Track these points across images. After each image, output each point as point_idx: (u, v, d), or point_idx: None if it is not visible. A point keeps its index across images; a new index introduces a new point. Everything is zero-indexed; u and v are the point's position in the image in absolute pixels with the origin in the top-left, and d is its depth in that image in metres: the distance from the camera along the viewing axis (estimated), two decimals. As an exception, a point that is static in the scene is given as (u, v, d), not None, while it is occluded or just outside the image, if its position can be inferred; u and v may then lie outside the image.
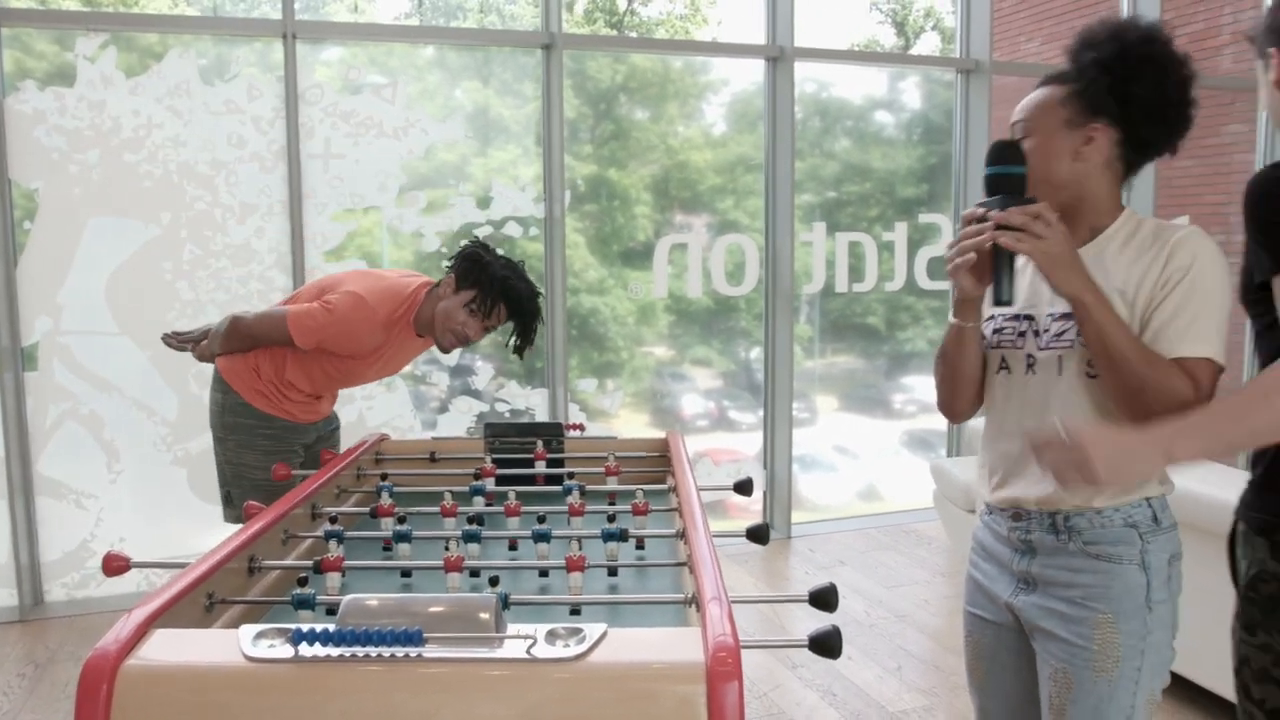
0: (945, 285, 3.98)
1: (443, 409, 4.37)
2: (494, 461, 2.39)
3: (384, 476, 2.25)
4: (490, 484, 2.28)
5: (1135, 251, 1.53)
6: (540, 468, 2.41)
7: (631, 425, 4.88)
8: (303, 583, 1.51)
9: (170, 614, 1.39)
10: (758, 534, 1.78)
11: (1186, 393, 1.44)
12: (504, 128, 4.41)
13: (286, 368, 2.62)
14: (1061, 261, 1.45)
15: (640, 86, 4.80)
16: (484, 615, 1.23)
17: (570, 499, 1.98)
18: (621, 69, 4.76)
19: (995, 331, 1.65)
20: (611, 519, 1.82)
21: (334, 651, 1.20)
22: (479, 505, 2.14)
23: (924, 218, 5.11)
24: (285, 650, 1.21)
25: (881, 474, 5.68)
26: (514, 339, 2.66)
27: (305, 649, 1.20)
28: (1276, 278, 1.42)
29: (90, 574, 3.91)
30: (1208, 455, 1.41)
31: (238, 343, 2.61)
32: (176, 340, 2.75)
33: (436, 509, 1.99)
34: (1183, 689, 3.02)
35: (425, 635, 1.21)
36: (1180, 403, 1.43)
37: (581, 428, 2.58)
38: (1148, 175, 5.32)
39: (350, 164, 4.07)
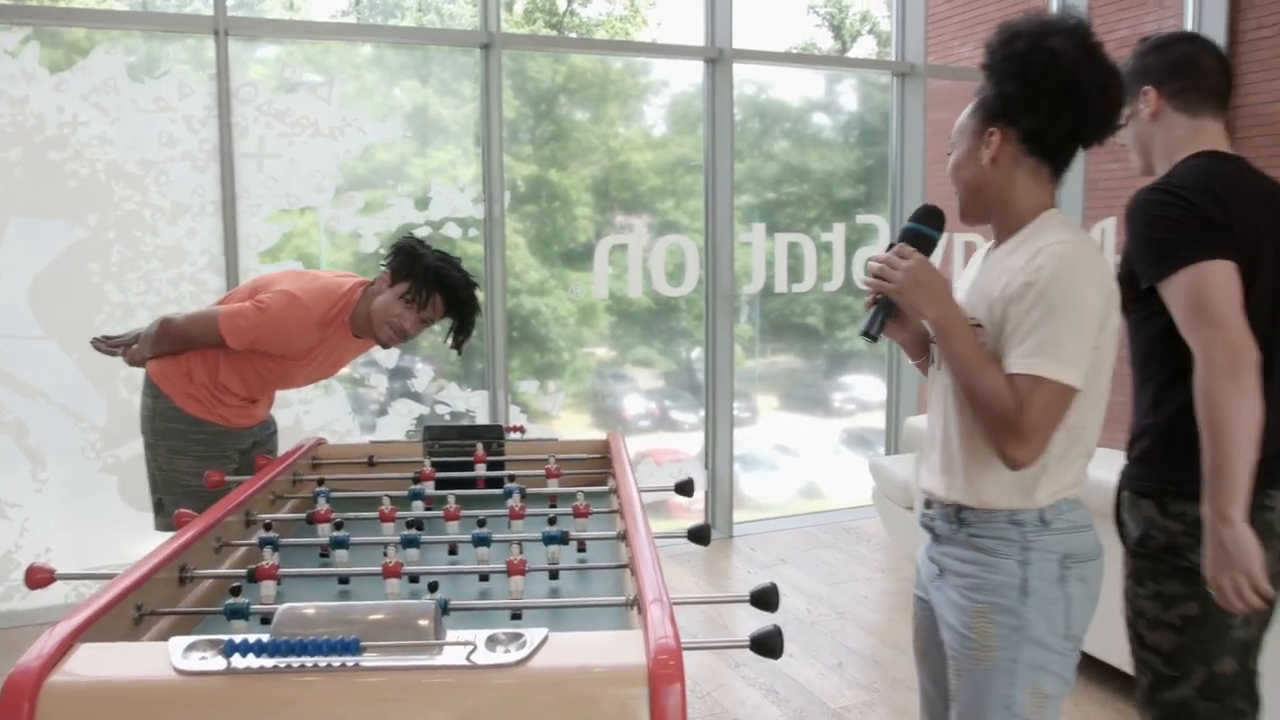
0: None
1: (382, 412, 4.32)
2: (433, 465, 2.37)
3: (320, 482, 2.21)
4: (430, 488, 2.25)
5: (1015, 252, 1.59)
6: (480, 470, 2.39)
7: (573, 426, 4.87)
8: (235, 591, 1.48)
9: (97, 627, 1.36)
10: (699, 534, 1.78)
11: (1008, 408, 1.49)
12: (443, 128, 4.37)
13: (220, 370, 2.54)
14: (910, 291, 1.57)
15: (581, 87, 4.79)
16: (423, 622, 1.22)
17: (510, 502, 1.97)
18: (562, 70, 4.74)
19: None
20: (552, 521, 1.81)
21: (268, 662, 1.18)
22: (418, 510, 2.12)
23: (861, 218, 5.17)
24: (217, 662, 1.18)
25: (822, 472, 5.75)
26: (452, 333, 2.63)
27: (238, 660, 1.18)
28: (1160, 284, 1.68)
29: (14, 586, 3.78)
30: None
31: (169, 345, 2.54)
32: (106, 345, 2.66)
33: (375, 514, 1.96)
34: (1113, 679, 3.10)
35: (363, 644, 1.19)
36: (999, 416, 1.50)
37: (522, 430, 2.56)
38: (1074, 174, 5.46)
39: (285, 164, 3.99)
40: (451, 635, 1.23)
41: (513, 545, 1.64)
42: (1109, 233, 5.57)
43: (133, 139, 3.77)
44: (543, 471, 2.30)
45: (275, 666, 1.18)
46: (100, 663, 1.22)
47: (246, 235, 3.96)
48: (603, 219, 4.81)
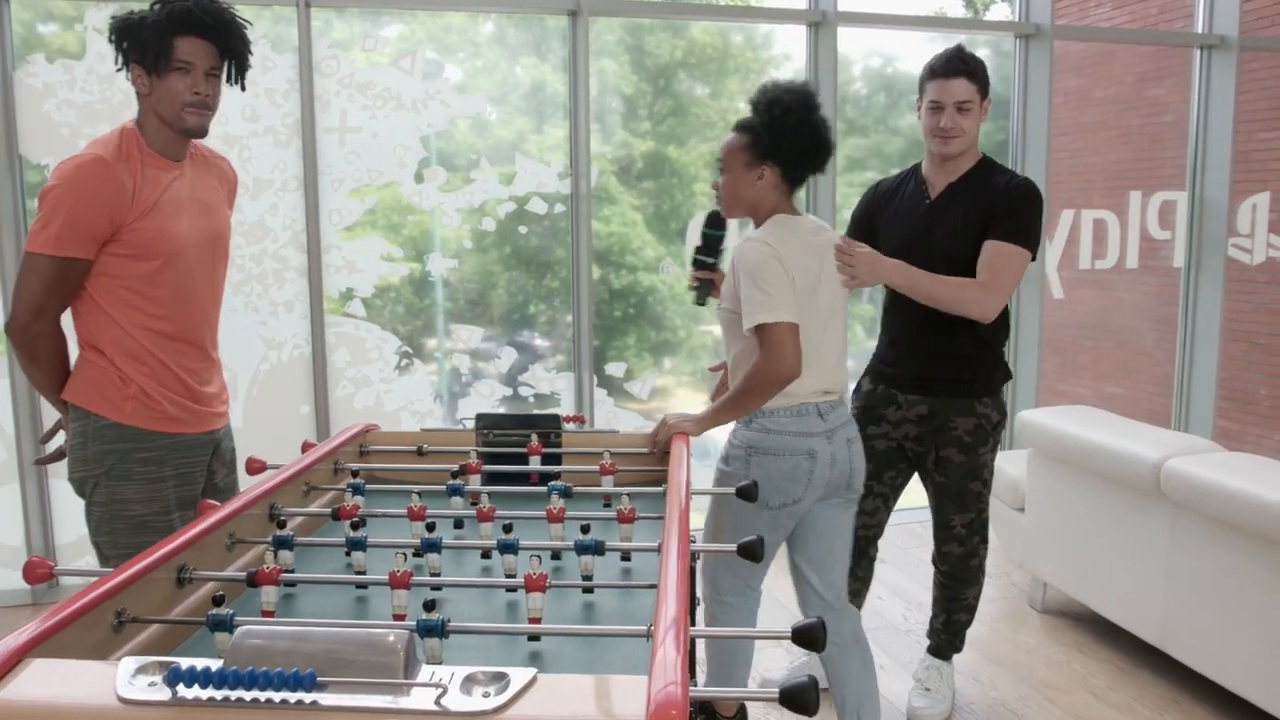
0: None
1: (463, 393, 4.22)
2: (481, 457, 2.21)
3: (355, 473, 2.08)
4: (475, 482, 2.10)
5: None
6: (532, 464, 2.22)
7: (690, 405, 4.70)
8: (218, 601, 1.34)
9: (63, 636, 1.24)
10: (749, 550, 1.56)
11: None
12: (529, 99, 4.21)
13: (117, 317, 2.10)
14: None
15: (700, 62, 4.58)
16: (388, 658, 1.05)
17: (549, 503, 1.79)
18: (681, 44, 4.54)
19: None
20: (586, 529, 1.62)
21: (216, 694, 1.03)
22: (456, 507, 1.96)
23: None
24: (163, 691, 1.04)
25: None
26: (229, 67, 2.16)
27: (184, 690, 1.04)
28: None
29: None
30: (910, 289, 2.53)
31: (33, 328, 2.06)
32: (49, 455, 2.31)
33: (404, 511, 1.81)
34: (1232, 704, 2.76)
35: (320, 678, 1.03)
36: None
37: (581, 420, 2.39)
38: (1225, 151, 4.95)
39: (367, 138, 3.91)
40: (425, 672, 1.07)
41: (532, 557, 1.46)
42: (1261, 208, 5.05)
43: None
44: (596, 468, 2.11)
45: (225, 699, 1.03)
46: (44, 682, 1.10)
47: (328, 211, 3.90)
48: None
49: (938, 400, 2.69)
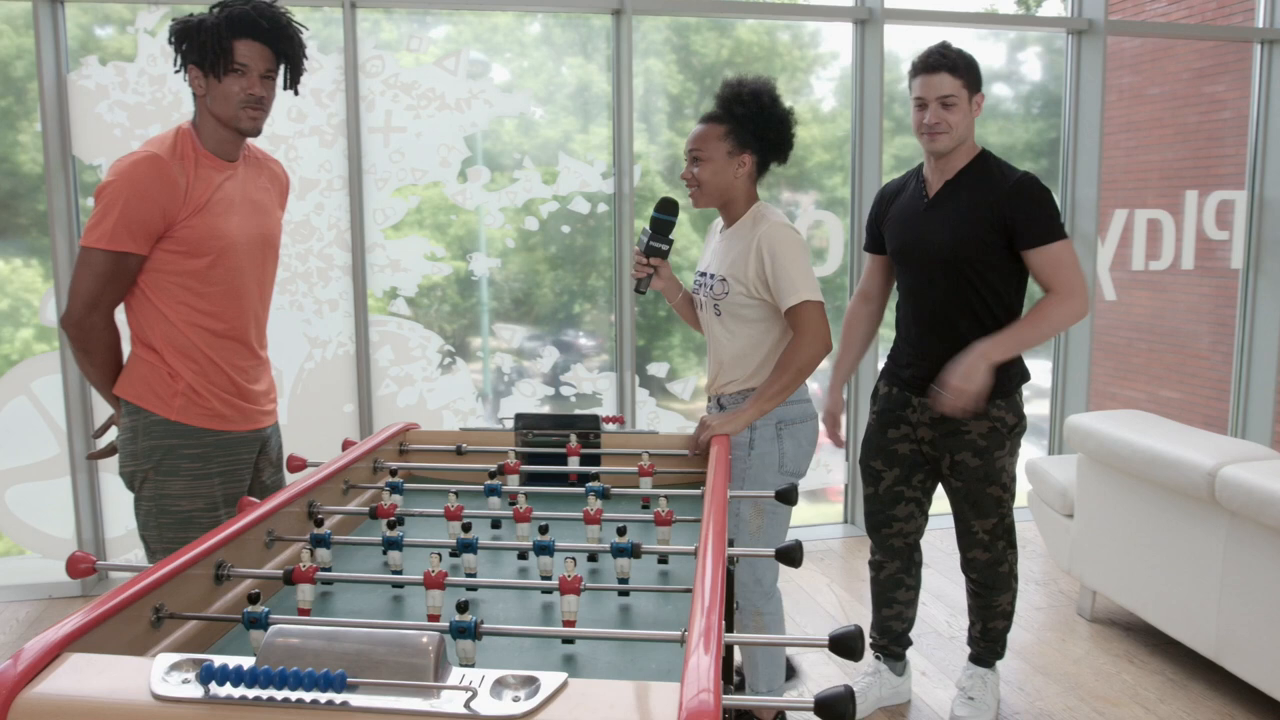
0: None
1: (506, 392, 4.23)
2: (519, 457, 2.21)
3: (394, 472, 2.08)
4: (513, 482, 2.10)
5: (742, 236, 2.45)
6: (571, 465, 2.21)
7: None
8: (254, 599, 1.35)
9: (103, 630, 1.25)
10: (788, 555, 1.53)
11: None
12: (574, 99, 4.21)
13: (169, 314, 2.14)
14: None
15: (747, 61, 4.55)
16: (419, 659, 1.04)
17: (587, 505, 1.78)
18: (728, 43, 4.52)
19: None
20: (622, 531, 1.61)
21: (248, 693, 1.03)
22: (494, 507, 1.96)
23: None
24: (196, 689, 1.05)
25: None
26: (285, 74, 2.20)
27: (216, 688, 1.04)
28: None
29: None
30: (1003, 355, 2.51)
31: (89, 322, 2.10)
32: (102, 450, 2.37)
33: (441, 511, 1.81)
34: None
35: (351, 679, 1.02)
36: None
37: (620, 421, 2.37)
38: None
39: (411, 138, 3.93)
40: (455, 675, 1.06)
41: (567, 560, 1.44)
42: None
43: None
44: (635, 469, 2.10)
45: (256, 698, 1.03)
46: (81, 677, 1.10)
47: (373, 210, 3.92)
48: (768, 194, 4.56)
49: None
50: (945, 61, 2.55)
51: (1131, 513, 3.25)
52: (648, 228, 2.49)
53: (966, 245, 2.56)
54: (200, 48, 2.09)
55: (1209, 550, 2.92)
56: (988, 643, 2.88)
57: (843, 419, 2.96)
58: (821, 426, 2.69)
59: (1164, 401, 6.29)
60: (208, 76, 2.11)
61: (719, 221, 2.59)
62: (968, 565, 2.82)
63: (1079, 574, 3.58)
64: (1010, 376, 2.64)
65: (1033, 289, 2.64)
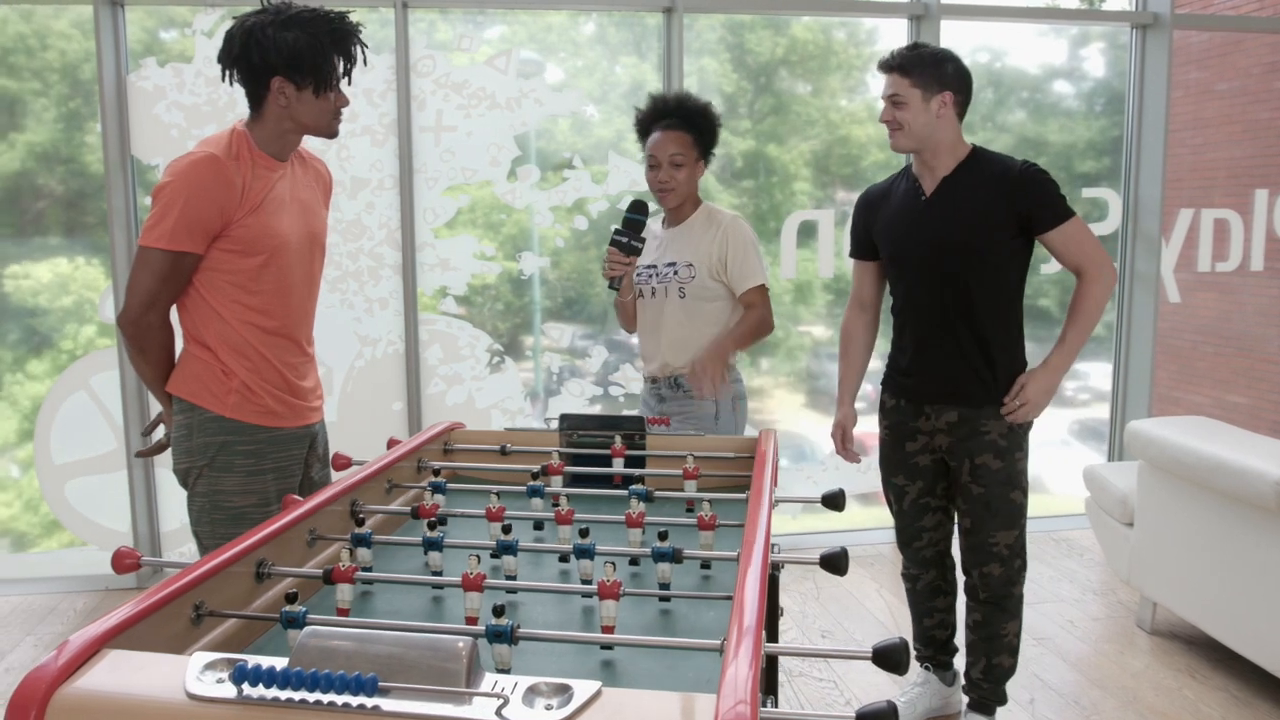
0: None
1: (555, 391, 4.22)
2: (564, 458, 2.19)
3: (437, 472, 2.08)
4: (556, 483, 2.08)
5: (702, 228, 2.83)
6: (615, 467, 2.19)
7: (786, 406, 4.65)
8: (291, 599, 1.34)
9: (143, 626, 1.25)
10: (833, 563, 1.49)
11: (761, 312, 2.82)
12: (628, 98, 4.20)
13: (223, 312, 2.16)
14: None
15: (801, 59, 4.51)
16: (451, 664, 1.02)
17: (629, 508, 1.75)
18: (782, 42, 4.48)
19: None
20: (664, 535, 1.58)
21: (280, 695, 1.02)
22: (537, 508, 1.94)
23: (1088, 192, 4.59)
24: (229, 689, 1.04)
25: (1045, 465, 5.15)
26: (342, 67, 2.20)
27: (249, 689, 1.03)
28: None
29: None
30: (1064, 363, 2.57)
31: (146, 320, 2.12)
32: (152, 447, 2.40)
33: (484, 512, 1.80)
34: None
35: (382, 683, 1.01)
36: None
37: (666, 422, 2.35)
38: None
39: (461, 137, 3.94)
40: (488, 681, 1.04)
41: (606, 564, 1.42)
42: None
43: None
44: (680, 471, 2.07)
45: (288, 700, 1.02)
46: (119, 674, 1.11)
47: (423, 209, 3.94)
48: (823, 194, 4.52)
49: (967, 406, 2.58)
50: (892, 61, 2.58)
51: (1195, 522, 3.14)
52: (621, 227, 2.64)
53: (976, 235, 2.52)
54: (315, 70, 2.12)
55: (1276, 562, 2.81)
56: (990, 684, 2.68)
57: (854, 434, 2.89)
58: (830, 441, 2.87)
59: (1230, 407, 6.10)
60: (301, 89, 2.13)
61: (654, 223, 2.93)
62: (979, 584, 2.64)
63: (1139, 584, 3.47)
64: (1016, 370, 2.60)
65: (1033, 289, 2.60)
